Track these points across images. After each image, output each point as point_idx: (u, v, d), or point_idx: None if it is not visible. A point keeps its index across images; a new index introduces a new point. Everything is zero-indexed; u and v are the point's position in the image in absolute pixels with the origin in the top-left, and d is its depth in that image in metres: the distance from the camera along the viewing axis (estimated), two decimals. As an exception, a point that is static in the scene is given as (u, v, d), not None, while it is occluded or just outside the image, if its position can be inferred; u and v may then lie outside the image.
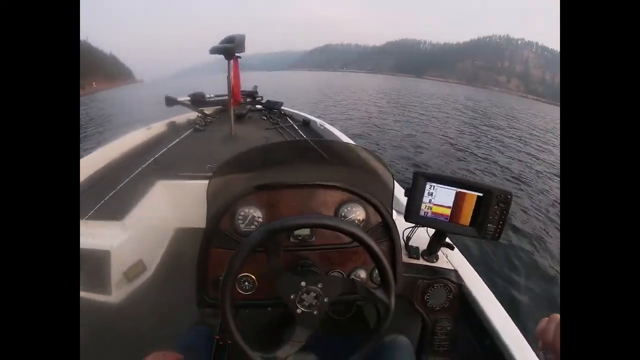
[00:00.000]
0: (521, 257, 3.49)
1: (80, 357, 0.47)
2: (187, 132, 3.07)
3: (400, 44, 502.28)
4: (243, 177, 1.01)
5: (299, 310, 0.70)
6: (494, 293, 1.06)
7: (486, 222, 0.94)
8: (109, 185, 1.96)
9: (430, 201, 0.98)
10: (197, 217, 1.08)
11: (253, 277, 0.89)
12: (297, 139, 2.83)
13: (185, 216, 2.04)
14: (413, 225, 1.08)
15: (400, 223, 1.03)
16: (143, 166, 2.19)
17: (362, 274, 0.94)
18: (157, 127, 3.22)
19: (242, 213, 0.91)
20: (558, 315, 0.55)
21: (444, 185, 0.96)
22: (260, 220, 0.91)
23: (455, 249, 1.15)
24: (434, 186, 0.97)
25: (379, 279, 0.75)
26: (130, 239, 1.65)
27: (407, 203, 1.01)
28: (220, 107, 3.86)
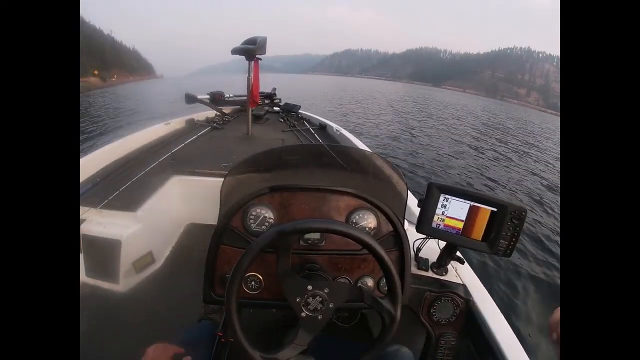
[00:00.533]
0: (533, 275, 3.40)
1: (83, 342, 0.48)
2: (205, 130, 3.12)
3: (419, 52, 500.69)
4: (257, 177, 1.02)
5: (303, 314, 0.70)
6: (502, 310, 1.04)
7: (499, 237, 0.93)
8: (126, 176, 2.00)
9: (443, 213, 0.97)
10: (209, 213, 1.10)
11: (260, 277, 0.89)
12: (313, 142, 2.85)
13: (198, 212, 2.07)
14: (424, 236, 1.07)
15: (412, 233, 1.02)
16: (159, 160, 2.23)
17: (370, 282, 0.94)
18: (176, 123, 3.28)
19: (254, 213, 0.92)
20: None
21: (458, 197, 0.95)
22: (272, 221, 0.92)
23: (466, 263, 1.13)
24: (447, 198, 0.96)
25: (386, 288, 0.75)
26: (142, 230, 1.69)
27: (420, 214, 1.00)
28: (239, 107, 3.91)
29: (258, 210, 0.92)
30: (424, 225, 1.00)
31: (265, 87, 3.24)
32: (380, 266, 0.72)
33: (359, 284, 0.93)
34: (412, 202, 1.12)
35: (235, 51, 2.72)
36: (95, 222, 1.63)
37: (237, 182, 1.01)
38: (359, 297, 0.73)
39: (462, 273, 1.13)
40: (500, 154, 10.09)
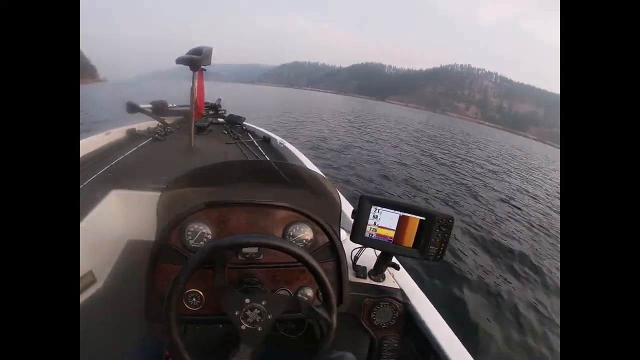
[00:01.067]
0: (465, 275, 3.69)
1: None
2: (146, 141, 2.96)
3: (365, 67, 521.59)
4: (195, 192, 1.01)
5: (243, 327, 0.71)
6: (438, 310, 1.11)
7: (429, 244, 1.01)
8: None
9: (375, 223, 1.04)
10: (150, 230, 1.06)
11: (201, 292, 0.88)
12: (253, 159, 2.84)
13: (139, 228, 1.95)
14: (360, 245, 1.12)
15: (349, 243, 1.08)
16: (98, 173, 2.08)
17: (309, 292, 0.96)
18: (116, 134, 3.06)
19: (192, 229, 0.91)
20: None
21: (388, 208, 1.03)
22: (210, 236, 0.92)
23: (402, 268, 1.20)
24: (379, 209, 1.03)
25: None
26: (81, 248, 1.55)
27: (353, 225, 1.06)
28: (182, 117, 3.77)
29: (196, 227, 0.91)
30: (358, 235, 1.06)
31: (209, 96, 3.16)
32: (314, 277, 0.76)
33: (299, 295, 0.95)
34: (351, 212, 1.18)
35: (179, 61, 2.63)
36: None
37: (174, 197, 0.98)
38: (296, 307, 0.76)
39: (398, 278, 1.19)
40: (434, 165, 10.69)
